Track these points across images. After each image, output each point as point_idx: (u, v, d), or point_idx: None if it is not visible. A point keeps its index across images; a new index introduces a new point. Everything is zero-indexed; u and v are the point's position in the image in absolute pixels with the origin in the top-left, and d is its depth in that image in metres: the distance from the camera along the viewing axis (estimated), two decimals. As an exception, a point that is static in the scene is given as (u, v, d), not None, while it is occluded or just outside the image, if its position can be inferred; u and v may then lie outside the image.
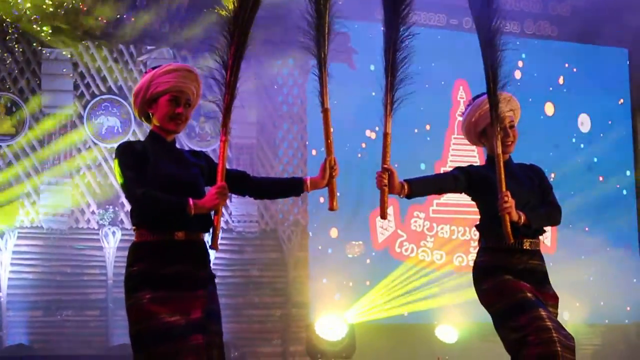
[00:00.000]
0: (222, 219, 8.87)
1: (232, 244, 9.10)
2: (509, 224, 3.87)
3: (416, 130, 9.85)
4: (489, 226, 4.06)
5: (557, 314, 4.04)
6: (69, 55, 8.81)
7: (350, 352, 8.29)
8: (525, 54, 10.39)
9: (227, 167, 3.64)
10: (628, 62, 11.02)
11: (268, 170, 9.24)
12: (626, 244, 10.67)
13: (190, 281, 3.47)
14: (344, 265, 9.47)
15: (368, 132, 9.59)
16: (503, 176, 3.90)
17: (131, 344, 3.46)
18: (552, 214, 4.14)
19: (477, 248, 4.21)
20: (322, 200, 9.33)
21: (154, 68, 3.67)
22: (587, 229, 10.35)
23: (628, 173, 10.93)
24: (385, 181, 3.82)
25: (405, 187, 3.89)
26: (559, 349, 3.75)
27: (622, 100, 10.98)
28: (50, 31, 8.47)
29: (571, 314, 9.60)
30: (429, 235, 9.84)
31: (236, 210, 9.15)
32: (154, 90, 3.58)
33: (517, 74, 10.39)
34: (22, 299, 8.40)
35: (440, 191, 4.39)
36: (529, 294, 3.91)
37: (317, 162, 3.99)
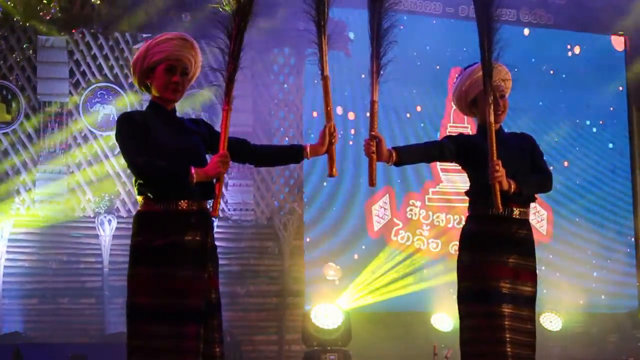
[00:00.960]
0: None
1: (228, 232, 9.10)
2: (499, 193, 3.84)
3: (408, 115, 9.85)
4: (479, 194, 4.02)
5: (534, 291, 4.00)
6: (65, 43, 8.79)
7: (346, 340, 8.29)
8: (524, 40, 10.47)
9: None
10: (625, 50, 11.01)
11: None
12: (625, 236, 10.71)
13: (193, 252, 3.47)
14: (339, 254, 9.48)
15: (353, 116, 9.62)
16: (495, 144, 3.87)
17: (125, 312, 3.49)
18: (543, 181, 4.12)
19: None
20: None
21: (150, 38, 3.68)
22: (585, 219, 10.37)
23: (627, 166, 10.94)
24: (374, 148, 3.78)
25: (394, 154, 3.85)
26: (508, 349, 3.78)
27: (621, 88, 10.96)
28: (46, 19, 8.45)
29: (570, 305, 9.62)
30: (424, 223, 9.83)
31: (232, 199, 9.14)
32: (150, 60, 3.59)
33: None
34: (17, 286, 8.41)
35: (429, 159, 4.33)
36: (502, 285, 3.88)
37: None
